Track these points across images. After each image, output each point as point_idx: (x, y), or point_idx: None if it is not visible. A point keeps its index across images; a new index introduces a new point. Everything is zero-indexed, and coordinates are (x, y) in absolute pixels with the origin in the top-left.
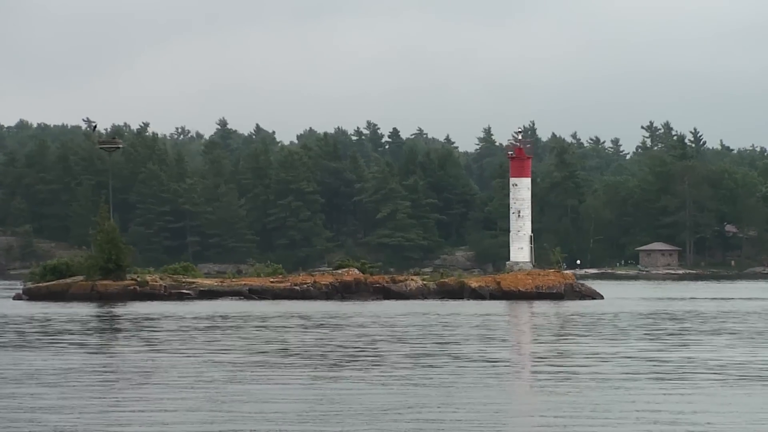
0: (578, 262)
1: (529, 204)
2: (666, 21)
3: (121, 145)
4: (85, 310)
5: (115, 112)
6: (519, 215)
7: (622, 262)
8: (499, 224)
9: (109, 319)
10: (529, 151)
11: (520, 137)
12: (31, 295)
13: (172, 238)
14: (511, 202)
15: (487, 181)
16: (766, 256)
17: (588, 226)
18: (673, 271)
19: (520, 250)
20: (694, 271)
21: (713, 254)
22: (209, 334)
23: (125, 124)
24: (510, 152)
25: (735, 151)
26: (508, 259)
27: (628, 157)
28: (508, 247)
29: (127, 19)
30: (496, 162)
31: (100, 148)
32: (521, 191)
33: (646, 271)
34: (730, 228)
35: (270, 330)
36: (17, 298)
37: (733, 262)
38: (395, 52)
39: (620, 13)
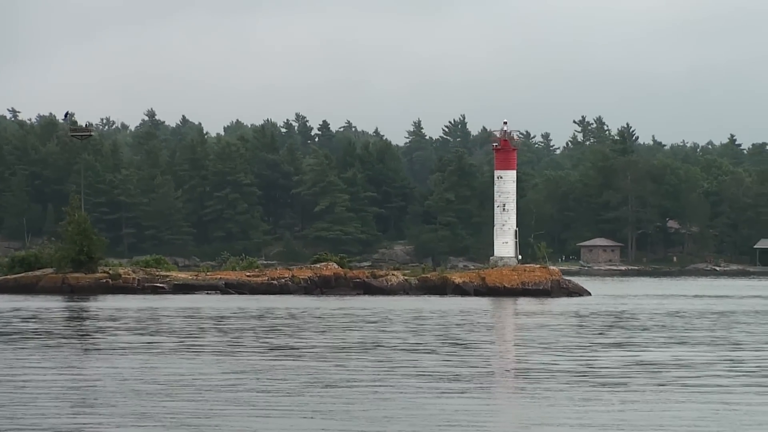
0: (519, 257)
1: (515, 197)
2: (595, 19)
3: (93, 133)
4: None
5: (39, 103)
6: (504, 209)
7: (564, 258)
8: (438, 218)
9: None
10: (516, 142)
11: (506, 128)
12: None
13: (108, 230)
14: (496, 195)
15: (417, 174)
16: (709, 253)
17: (528, 221)
18: (615, 267)
19: (505, 245)
20: (636, 267)
21: (655, 250)
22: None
23: (50, 114)
24: (495, 143)
25: (667, 147)
26: (492, 254)
27: (558, 151)
28: (447, 241)
29: (48, 8)
30: (427, 156)
31: (72, 136)
32: (506, 184)
33: (588, 267)
34: (672, 224)
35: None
36: None
37: (675, 258)
38: (320, 45)
39: (550, 9)
